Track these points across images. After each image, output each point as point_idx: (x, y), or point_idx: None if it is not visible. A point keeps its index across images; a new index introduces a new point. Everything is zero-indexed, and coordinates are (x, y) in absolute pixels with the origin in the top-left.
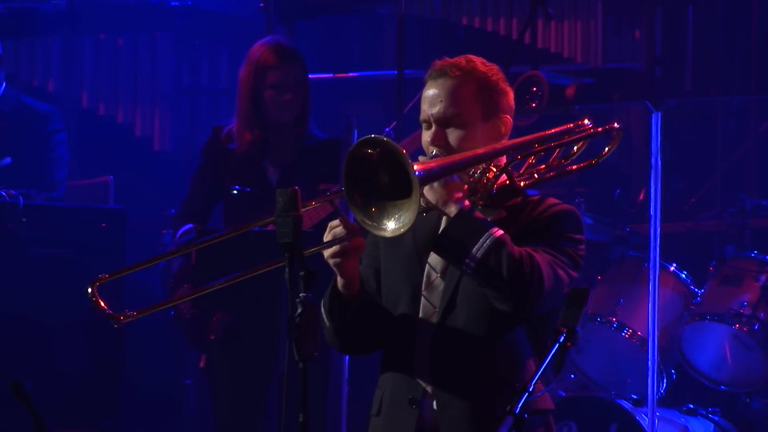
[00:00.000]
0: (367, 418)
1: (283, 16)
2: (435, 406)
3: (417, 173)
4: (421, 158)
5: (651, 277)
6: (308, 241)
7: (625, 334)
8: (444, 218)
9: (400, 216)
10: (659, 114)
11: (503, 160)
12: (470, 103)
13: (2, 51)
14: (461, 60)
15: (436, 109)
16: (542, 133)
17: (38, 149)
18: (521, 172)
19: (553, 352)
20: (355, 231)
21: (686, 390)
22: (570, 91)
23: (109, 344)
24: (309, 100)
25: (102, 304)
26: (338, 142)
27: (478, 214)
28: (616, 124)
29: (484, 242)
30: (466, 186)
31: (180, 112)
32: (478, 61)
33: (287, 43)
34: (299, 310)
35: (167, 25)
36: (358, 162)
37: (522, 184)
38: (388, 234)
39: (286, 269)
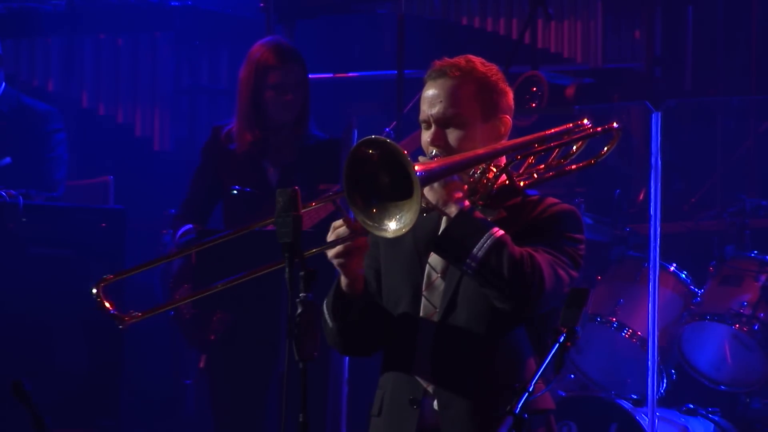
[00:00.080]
0: (368, 419)
1: (283, 16)
2: (436, 406)
3: (418, 174)
4: (421, 158)
5: (651, 277)
6: (308, 241)
7: (625, 334)
8: (444, 218)
9: (401, 216)
10: (659, 114)
11: (503, 160)
12: (470, 104)
13: (2, 51)
14: (461, 60)
15: (435, 110)
16: (542, 133)
17: (38, 149)
18: (521, 171)
19: (553, 352)
20: (358, 230)
21: (686, 390)
22: (570, 91)
23: (109, 344)
24: (309, 100)
25: (107, 304)
26: (338, 142)
27: (478, 214)
28: (615, 124)
29: (485, 242)
30: (466, 186)
31: (180, 112)
32: (478, 62)
33: (287, 43)
34: (299, 310)
35: (167, 25)
36: (358, 163)
37: (522, 183)
38: (389, 234)
39: (286, 269)
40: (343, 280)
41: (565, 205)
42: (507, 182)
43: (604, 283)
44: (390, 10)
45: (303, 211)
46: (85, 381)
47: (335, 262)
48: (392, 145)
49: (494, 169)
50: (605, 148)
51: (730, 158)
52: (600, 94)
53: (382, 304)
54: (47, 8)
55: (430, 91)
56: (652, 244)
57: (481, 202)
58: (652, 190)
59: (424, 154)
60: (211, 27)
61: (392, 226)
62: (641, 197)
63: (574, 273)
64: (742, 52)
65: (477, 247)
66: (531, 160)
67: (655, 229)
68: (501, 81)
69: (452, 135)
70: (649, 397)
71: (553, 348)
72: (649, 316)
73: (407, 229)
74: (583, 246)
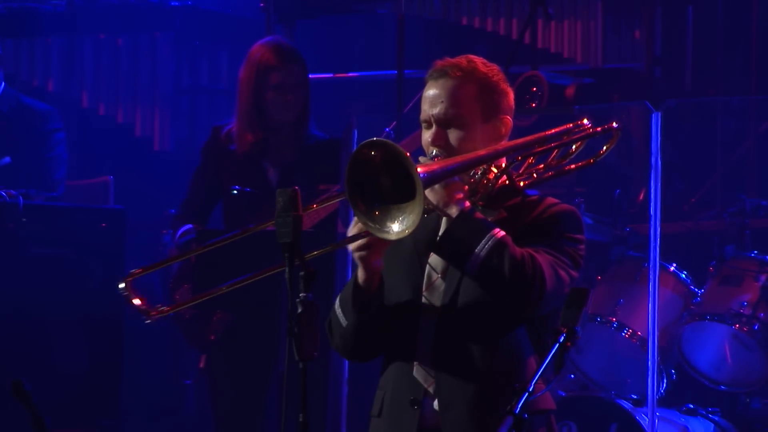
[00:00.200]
0: (368, 419)
1: (283, 16)
2: (436, 407)
3: (421, 175)
4: (421, 159)
5: (651, 277)
6: (308, 241)
7: (625, 334)
8: (444, 219)
9: (404, 218)
10: (659, 114)
11: (504, 160)
12: (471, 104)
13: (2, 51)
14: (462, 60)
15: (436, 110)
16: (542, 134)
17: (37, 149)
18: (520, 171)
19: (553, 352)
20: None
21: (686, 390)
22: (570, 91)
23: (109, 344)
24: (309, 100)
25: (134, 298)
26: (338, 142)
27: (479, 215)
28: (614, 124)
29: (486, 243)
30: (466, 187)
31: (180, 112)
32: (479, 62)
33: (287, 43)
34: (299, 310)
35: (167, 25)
36: (360, 165)
37: (521, 183)
38: (392, 236)
39: (286, 269)
40: (361, 275)
41: (565, 206)
42: (507, 182)
43: (604, 283)
44: (390, 10)
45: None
46: (85, 381)
47: (356, 255)
48: (394, 147)
49: (495, 170)
50: (604, 148)
51: (730, 158)
52: (600, 94)
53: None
54: (47, 8)
55: (431, 91)
56: (652, 244)
57: (481, 203)
58: (652, 190)
59: (424, 154)
60: (211, 27)
61: (395, 228)
62: (641, 197)
63: (574, 273)
64: (742, 52)
65: (478, 248)
66: (531, 160)
67: (655, 229)
68: (502, 81)
69: (453, 135)
70: (649, 397)
71: (553, 348)
72: (649, 316)
73: (410, 230)
74: (583, 246)
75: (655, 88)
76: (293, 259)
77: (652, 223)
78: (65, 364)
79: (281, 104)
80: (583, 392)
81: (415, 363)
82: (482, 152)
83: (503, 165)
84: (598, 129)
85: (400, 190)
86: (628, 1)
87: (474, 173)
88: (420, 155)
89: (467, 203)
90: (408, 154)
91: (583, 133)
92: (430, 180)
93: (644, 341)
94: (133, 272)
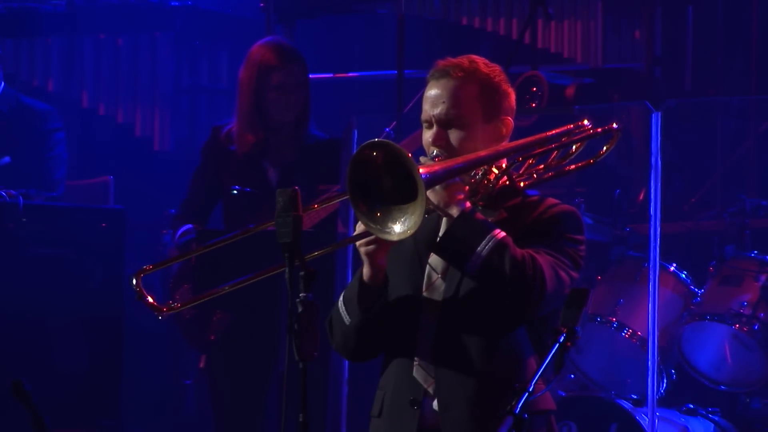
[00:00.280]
0: (368, 419)
1: (283, 16)
2: (436, 407)
3: (422, 176)
4: (422, 159)
5: (651, 277)
6: (308, 241)
7: (625, 334)
8: (445, 220)
9: (405, 219)
10: (659, 114)
11: (504, 161)
12: (472, 105)
13: (2, 51)
14: (464, 60)
15: (438, 110)
16: (543, 135)
17: (37, 149)
18: (521, 172)
19: (553, 352)
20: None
21: (686, 390)
22: (570, 91)
23: (109, 344)
24: (309, 100)
25: (146, 295)
26: (338, 142)
27: (480, 216)
28: (614, 125)
29: (487, 244)
30: (467, 187)
31: (180, 112)
32: (481, 62)
33: (287, 43)
34: (299, 310)
35: (167, 25)
36: (361, 166)
37: (522, 184)
38: (394, 237)
39: (286, 269)
40: (367, 272)
41: (566, 206)
42: (507, 183)
43: (604, 283)
44: (390, 10)
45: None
46: (85, 381)
47: (363, 250)
48: (396, 148)
49: (495, 171)
50: (604, 148)
51: (730, 158)
52: (600, 94)
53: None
54: (47, 8)
55: (432, 91)
56: (652, 244)
57: (481, 203)
58: (652, 190)
59: (424, 153)
60: (211, 27)
61: (397, 229)
62: (641, 197)
63: (574, 274)
64: (742, 52)
65: (479, 248)
66: (531, 160)
67: (655, 229)
68: (504, 82)
69: (454, 135)
70: (649, 397)
71: (553, 348)
72: (649, 316)
73: (412, 231)
74: (583, 247)
75: (655, 88)
76: (293, 259)
77: (652, 223)
78: (65, 364)
79: (282, 104)
80: (583, 392)
81: (415, 363)
82: (483, 153)
83: (504, 166)
84: (599, 130)
85: (401, 190)
86: (628, 1)
87: (475, 174)
88: (420, 155)
89: (468, 204)
90: (410, 154)
91: (583, 134)
92: (432, 181)
93: (644, 341)
94: (144, 268)
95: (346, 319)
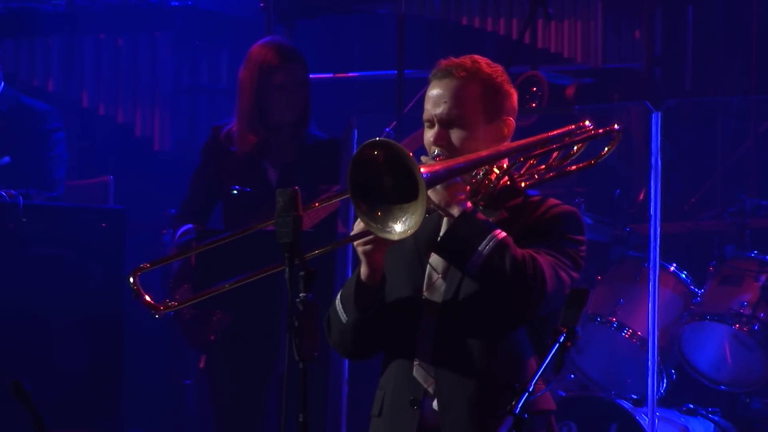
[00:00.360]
0: (369, 418)
1: (283, 16)
2: (436, 407)
3: (424, 176)
4: (423, 158)
5: (651, 277)
6: (308, 241)
7: (625, 334)
8: (446, 220)
9: (406, 219)
10: (659, 114)
11: (505, 161)
12: (474, 105)
13: (1, 51)
14: (466, 60)
15: (439, 110)
16: (544, 135)
17: (37, 148)
18: (522, 172)
19: (553, 352)
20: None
21: (686, 390)
22: (570, 91)
23: (109, 344)
24: (310, 100)
25: (143, 293)
26: (338, 142)
27: (480, 216)
28: (616, 126)
29: (487, 244)
30: (468, 187)
31: (180, 112)
32: (483, 62)
33: (287, 43)
34: (299, 310)
35: (167, 25)
36: (362, 165)
37: (523, 184)
38: (395, 237)
39: (286, 269)
40: (364, 271)
41: (567, 207)
42: (508, 183)
43: (604, 283)
44: (390, 10)
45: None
46: (85, 381)
47: (361, 249)
48: (397, 147)
49: (497, 171)
50: (605, 149)
51: (730, 158)
52: (600, 94)
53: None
54: (47, 8)
55: (434, 91)
56: (652, 244)
57: (482, 203)
58: (652, 190)
59: (424, 153)
60: (211, 27)
61: (398, 229)
62: (641, 197)
63: (575, 274)
64: (742, 52)
65: (479, 248)
66: (532, 161)
67: (655, 229)
68: (506, 83)
69: (455, 135)
70: (649, 397)
71: (553, 348)
72: (649, 316)
73: (413, 231)
74: (584, 247)
75: (655, 88)
76: (293, 259)
77: (652, 223)
78: (65, 364)
79: (283, 104)
80: (583, 392)
81: (415, 363)
82: (484, 153)
83: (505, 166)
84: (600, 131)
85: (402, 190)
86: (628, 1)
87: (476, 174)
88: (421, 155)
89: (469, 204)
90: (410, 154)
91: (584, 135)
92: (433, 180)
93: (644, 341)
94: (141, 266)
95: (343, 317)
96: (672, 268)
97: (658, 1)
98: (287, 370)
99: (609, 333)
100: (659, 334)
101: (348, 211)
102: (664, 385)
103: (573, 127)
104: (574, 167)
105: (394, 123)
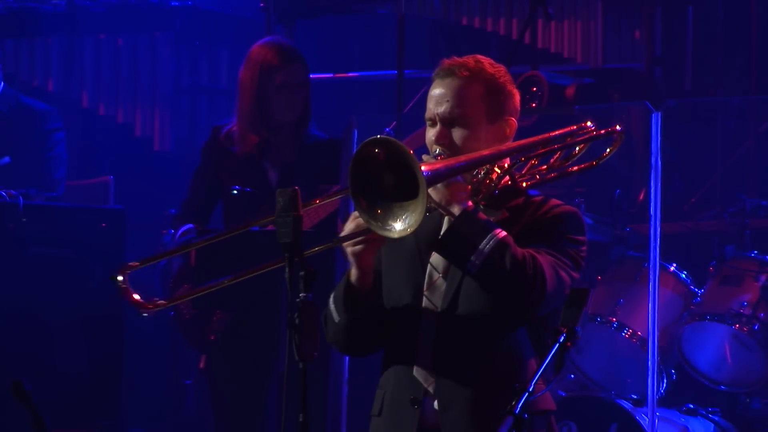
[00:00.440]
0: (369, 418)
1: (283, 16)
2: (436, 407)
3: (424, 174)
4: (425, 157)
5: (651, 277)
6: (308, 241)
7: (625, 334)
8: (446, 218)
9: (406, 217)
10: (659, 114)
11: (507, 161)
12: (476, 104)
13: (1, 51)
14: (470, 60)
15: (442, 109)
16: (546, 135)
17: (37, 148)
18: (523, 172)
19: (553, 352)
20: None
21: (686, 390)
22: (570, 91)
23: (109, 344)
24: (310, 100)
25: (131, 292)
26: (338, 142)
27: (481, 215)
28: (618, 127)
29: (488, 243)
30: (469, 186)
31: (180, 112)
32: (486, 62)
33: (288, 43)
34: (299, 310)
35: (167, 25)
36: (363, 162)
37: (524, 184)
38: (395, 235)
39: (286, 269)
40: (354, 273)
41: (567, 207)
42: (509, 183)
43: (604, 283)
44: (390, 10)
45: (303, 210)
46: (85, 381)
47: (350, 250)
48: (398, 145)
49: (498, 170)
50: (607, 150)
51: (730, 158)
52: (600, 94)
53: (383, 299)
54: (47, 8)
55: (437, 90)
56: (652, 244)
57: (483, 203)
58: (652, 190)
59: (425, 152)
60: (211, 27)
61: (398, 227)
62: (641, 197)
63: (575, 274)
64: (742, 52)
65: (480, 247)
66: (534, 161)
67: (655, 229)
68: (509, 83)
69: (457, 134)
70: (649, 397)
71: (553, 348)
72: (649, 316)
73: (413, 229)
74: (584, 248)
75: (655, 88)
76: (293, 259)
77: (652, 223)
78: (65, 364)
79: (283, 104)
80: (583, 392)
81: (415, 362)
82: (486, 152)
83: (506, 165)
84: (602, 132)
85: (402, 188)
86: (628, 1)
87: (477, 173)
88: (422, 154)
89: (470, 203)
90: (411, 151)
91: (586, 136)
92: (434, 178)
93: (644, 341)
94: (129, 264)
95: (336, 317)
96: (672, 268)
97: (658, 1)
98: (287, 370)
99: (609, 333)
100: (659, 334)
101: (348, 211)
102: (664, 385)
103: (575, 127)
104: (575, 168)
105: (394, 123)
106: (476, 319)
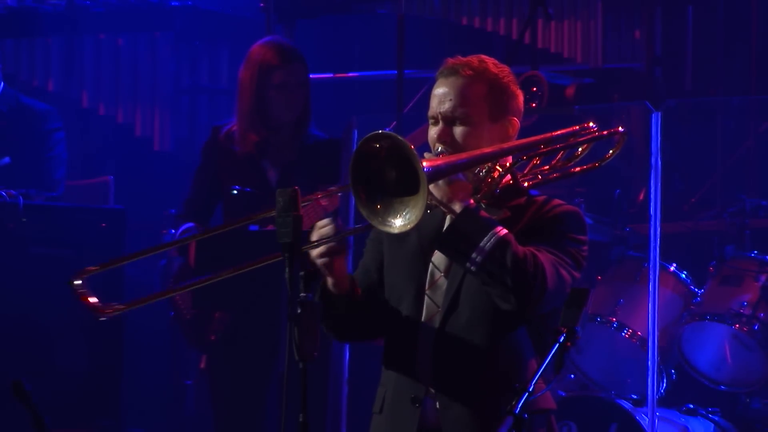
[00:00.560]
0: (369, 417)
1: (283, 16)
2: (437, 405)
3: (425, 170)
4: (426, 155)
5: (651, 277)
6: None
7: (625, 334)
8: (448, 216)
9: (406, 213)
10: (659, 114)
11: (509, 160)
12: (479, 103)
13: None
14: (474, 60)
15: (444, 107)
16: (548, 135)
17: (37, 148)
18: (525, 172)
19: (553, 352)
20: (342, 232)
21: (686, 390)
22: (570, 91)
23: (109, 344)
24: (310, 100)
25: (88, 295)
26: (338, 142)
27: (483, 212)
28: (620, 128)
29: (489, 241)
30: (470, 184)
31: (180, 112)
32: (490, 62)
33: (288, 42)
34: (299, 310)
35: (167, 25)
36: (365, 157)
37: (526, 184)
38: (395, 230)
39: (286, 269)
40: (329, 280)
41: (569, 206)
42: (511, 182)
43: (604, 283)
44: (390, 10)
45: (303, 210)
46: (85, 381)
47: (318, 261)
48: (400, 140)
49: (499, 169)
50: (610, 152)
51: (730, 158)
52: (600, 94)
53: (385, 296)
54: (47, 8)
55: (440, 89)
56: (652, 244)
57: (484, 201)
58: (652, 190)
59: (427, 150)
60: (211, 27)
61: (398, 223)
62: (641, 197)
63: (576, 274)
64: (742, 52)
65: (480, 245)
66: (536, 161)
67: (655, 229)
68: (512, 83)
69: (459, 133)
70: (649, 397)
71: (553, 348)
72: (649, 316)
73: (412, 225)
74: (586, 247)
75: (655, 88)
76: (293, 259)
77: (652, 223)
78: (65, 364)
79: (283, 103)
80: (583, 392)
81: (416, 361)
82: (487, 150)
83: (508, 164)
84: (604, 133)
85: (403, 184)
86: (628, 1)
87: (478, 171)
88: (426, 152)
89: (471, 200)
90: (413, 147)
91: (588, 136)
92: (435, 174)
93: (644, 341)
94: (88, 269)
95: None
96: (672, 268)
97: (658, 1)
98: (287, 370)
99: (609, 333)
100: (659, 334)
101: (348, 211)
102: (664, 385)
103: (577, 127)
104: (578, 169)
105: (394, 123)
106: (477, 319)
